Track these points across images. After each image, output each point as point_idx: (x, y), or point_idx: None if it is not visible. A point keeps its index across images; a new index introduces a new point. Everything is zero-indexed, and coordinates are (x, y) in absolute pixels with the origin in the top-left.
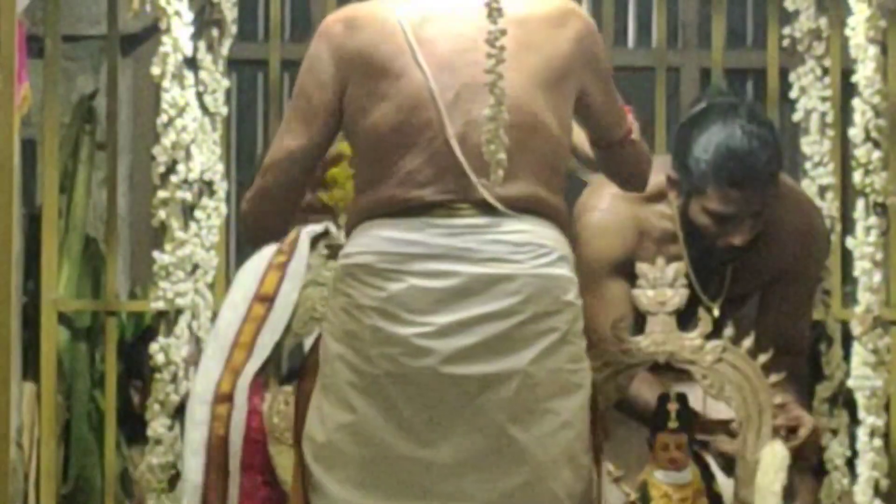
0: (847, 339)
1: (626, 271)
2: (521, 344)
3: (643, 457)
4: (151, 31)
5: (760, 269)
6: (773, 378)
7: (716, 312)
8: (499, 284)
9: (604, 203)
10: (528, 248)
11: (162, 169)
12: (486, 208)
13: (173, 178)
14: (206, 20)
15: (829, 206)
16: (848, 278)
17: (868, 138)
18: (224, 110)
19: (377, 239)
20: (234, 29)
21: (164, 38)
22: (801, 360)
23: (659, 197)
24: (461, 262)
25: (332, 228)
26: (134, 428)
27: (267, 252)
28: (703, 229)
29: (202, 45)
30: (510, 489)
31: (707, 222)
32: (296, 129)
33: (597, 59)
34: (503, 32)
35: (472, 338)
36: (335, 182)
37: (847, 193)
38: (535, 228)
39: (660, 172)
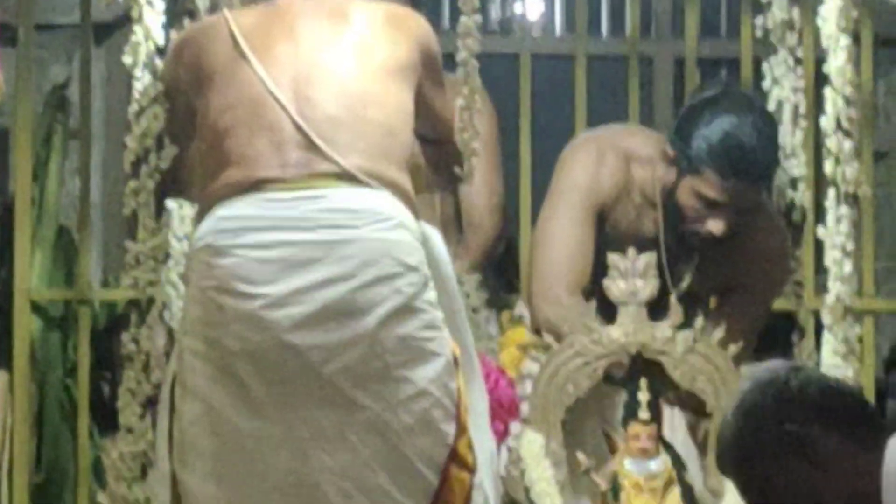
0: (818, 329)
1: (598, 216)
2: (363, 309)
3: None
4: (124, 20)
5: (721, 273)
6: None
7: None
8: (335, 249)
9: (596, 146)
10: (364, 213)
11: (133, 158)
12: (319, 179)
13: (144, 168)
14: (178, 9)
15: (801, 197)
16: (819, 268)
17: (839, 128)
18: None
19: (215, 220)
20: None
21: (136, 28)
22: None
23: (650, 163)
24: (297, 231)
25: None
26: (107, 417)
27: None
28: (685, 210)
29: (174, 34)
30: (366, 458)
31: (693, 204)
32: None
33: (432, 57)
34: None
35: (312, 305)
36: None
37: (819, 183)
38: (370, 196)
39: (648, 146)
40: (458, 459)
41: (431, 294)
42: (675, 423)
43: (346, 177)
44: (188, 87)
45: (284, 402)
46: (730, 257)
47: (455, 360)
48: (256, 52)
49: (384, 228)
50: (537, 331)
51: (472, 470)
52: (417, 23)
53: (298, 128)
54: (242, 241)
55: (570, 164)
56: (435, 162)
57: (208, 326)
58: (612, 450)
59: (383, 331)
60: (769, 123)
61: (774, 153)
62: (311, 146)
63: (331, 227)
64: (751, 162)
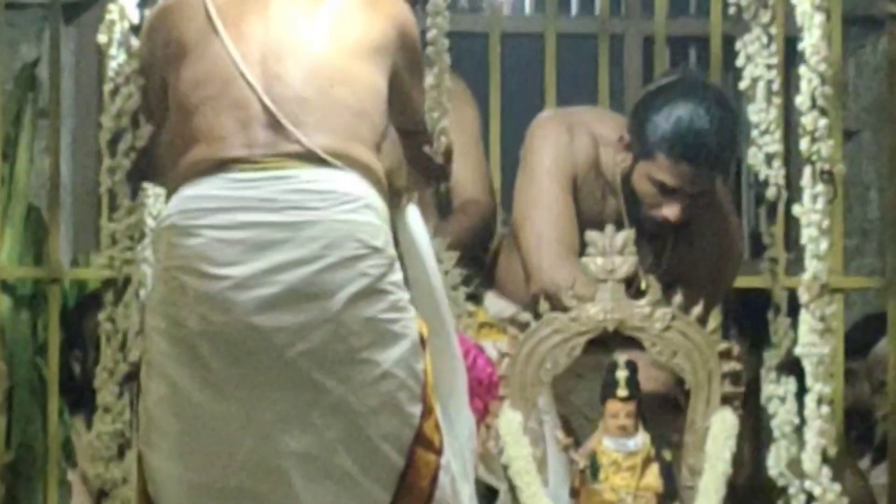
0: (794, 307)
1: (572, 189)
2: (328, 290)
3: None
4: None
5: (673, 265)
6: (723, 345)
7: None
8: (300, 231)
9: (564, 123)
10: (330, 195)
11: (108, 137)
12: (286, 159)
13: (120, 146)
14: None
15: (775, 174)
16: (794, 246)
17: (814, 106)
18: None
19: (182, 199)
20: None
21: (111, 6)
22: None
23: (614, 147)
24: (260, 212)
25: None
26: (77, 396)
27: None
28: (641, 195)
29: (148, 12)
30: (329, 441)
31: (648, 190)
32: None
33: (410, 42)
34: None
35: (276, 287)
36: None
37: (792, 161)
38: (337, 177)
39: (606, 122)
40: (423, 441)
41: (397, 276)
42: None
43: (313, 157)
44: (162, 63)
45: (248, 384)
46: (682, 250)
47: (422, 341)
48: (227, 27)
49: (349, 210)
50: (535, 298)
51: (438, 451)
52: (395, 4)
53: (266, 107)
54: (207, 222)
55: (542, 137)
56: (411, 157)
57: (172, 306)
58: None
59: (347, 313)
60: (726, 109)
61: (731, 139)
62: (278, 126)
63: (296, 209)
64: (703, 146)
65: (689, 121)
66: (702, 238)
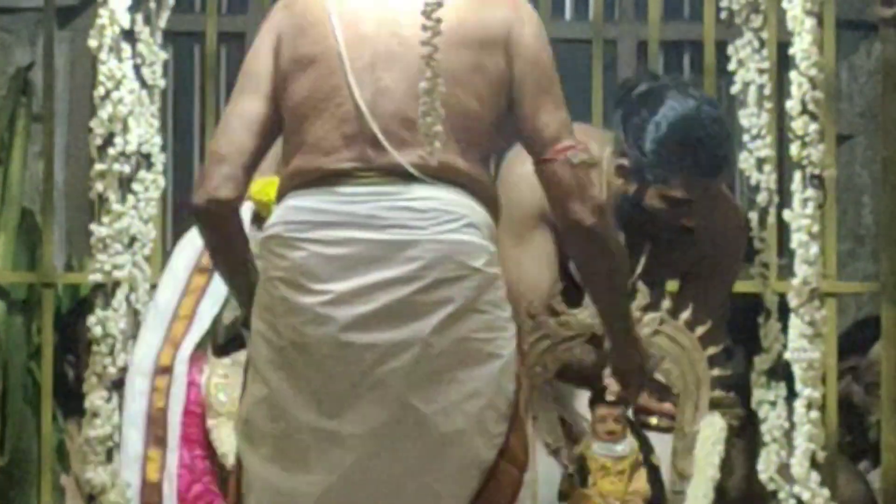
0: (785, 312)
1: (552, 224)
2: (422, 311)
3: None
4: (88, 4)
5: (681, 259)
6: (711, 350)
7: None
8: (400, 250)
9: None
10: (432, 213)
11: (99, 141)
12: (393, 175)
13: (111, 151)
14: None
15: (766, 179)
16: (785, 251)
17: (805, 111)
18: (162, 83)
19: (287, 209)
20: (171, 1)
21: (101, 11)
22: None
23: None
24: (363, 230)
25: None
26: (70, 400)
27: None
28: (655, 213)
29: (139, 17)
30: (415, 459)
31: (663, 206)
32: (238, 97)
33: (529, 48)
34: (440, 4)
35: (372, 305)
36: None
37: (784, 166)
38: (443, 195)
39: (592, 140)
40: (509, 455)
41: (495, 294)
42: None
43: (419, 174)
44: (279, 45)
45: (338, 398)
46: (691, 242)
47: (522, 356)
48: (344, 29)
49: (451, 230)
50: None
51: (522, 467)
52: (516, 6)
53: (371, 121)
54: (310, 236)
55: (510, 179)
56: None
57: (271, 314)
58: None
59: (439, 334)
60: (714, 105)
61: (729, 136)
62: (385, 141)
63: (398, 227)
64: (720, 157)
65: (698, 137)
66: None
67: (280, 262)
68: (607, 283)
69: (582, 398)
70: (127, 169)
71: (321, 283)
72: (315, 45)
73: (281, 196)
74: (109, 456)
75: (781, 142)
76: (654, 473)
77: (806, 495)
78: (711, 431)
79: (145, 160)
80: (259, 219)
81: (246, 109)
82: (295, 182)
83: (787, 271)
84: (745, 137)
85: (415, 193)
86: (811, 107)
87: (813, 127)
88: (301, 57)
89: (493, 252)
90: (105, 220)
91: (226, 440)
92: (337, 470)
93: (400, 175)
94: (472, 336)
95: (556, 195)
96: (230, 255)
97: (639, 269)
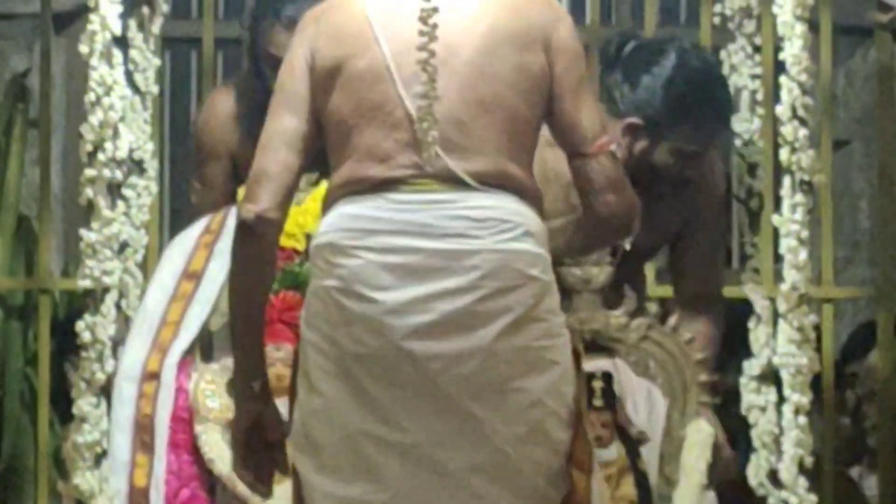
0: (775, 317)
1: None
2: (482, 320)
3: None
4: (84, 10)
5: (667, 219)
6: (699, 355)
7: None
8: (458, 260)
9: None
10: (489, 223)
11: (90, 147)
12: (447, 183)
13: (101, 157)
14: None
15: (759, 184)
16: (775, 256)
17: (795, 116)
18: (155, 89)
19: (340, 217)
20: (165, 7)
21: (93, 17)
22: (718, 304)
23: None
24: (421, 238)
25: None
26: (68, 406)
27: (195, 230)
28: (663, 169)
29: (133, 23)
30: (479, 467)
31: (672, 161)
32: (276, 114)
33: (566, 47)
34: (435, 10)
35: (432, 314)
36: None
37: (776, 171)
38: (498, 203)
39: None
40: (577, 462)
41: (552, 301)
42: (639, 406)
43: (474, 179)
44: (315, 57)
45: (399, 407)
46: (672, 202)
47: (577, 362)
48: (389, 38)
49: (508, 239)
50: None
51: (589, 472)
52: (552, 5)
53: (422, 129)
54: (367, 244)
55: None
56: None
57: (328, 324)
58: None
59: (500, 343)
60: (709, 57)
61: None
62: (439, 149)
63: (456, 236)
64: (727, 105)
65: (718, 88)
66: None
67: (335, 271)
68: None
69: None
70: (118, 175)
71: (379, 291)
72: (359, 56)
73: (330, 204)
74: (98, 462)
75: (774, 147)
76: (641, 479)
77: (793, 501)
78: (698, 436)
79: (137, 166)
80: None
81: (288, 127)
82: (347, 190)
83: (777, 276)
84: (738, 142)
85: (471, 202)
86: (801, 112)
87: (803, 132)
88: (343, 68)
89: (547, 259)
90: (94, 225)
91: (213, 446)
92: (398, 479)
93: (455, 182)
94: (533, 344)
95: (594, 189)
96: (261, 272)
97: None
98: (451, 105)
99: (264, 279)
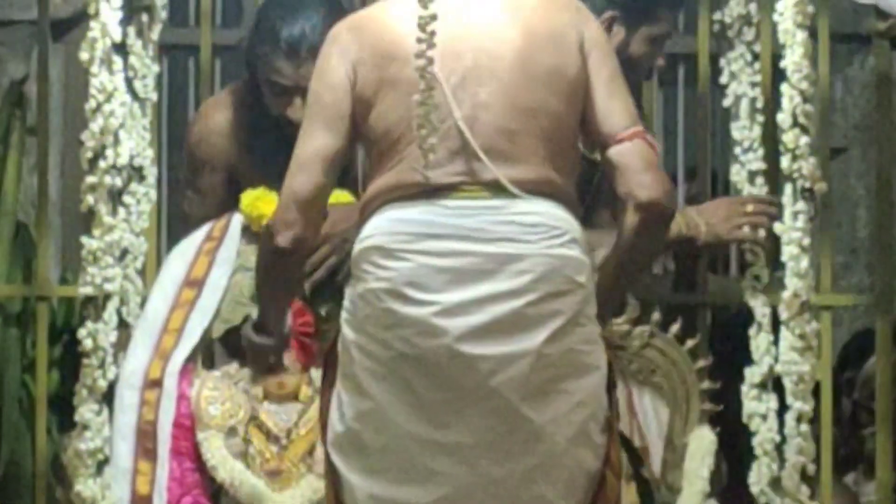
0: (777, 325)
1: None
2: (532, 324)
3: None
4: (82, 17)
5: None
6: (701, 363)
7: None
8: (510, 264)
9: None
10: (540, 228)
11: (90, 154)
12: (496, 190)
13: (101, 164)
14: (135, 6)
15: (758, 192)
16: (776, 263)
17: (796, 123)
18: (154, 96)
19: (388, 220)
20: (164, 14)
21: (93, 24)
22: None
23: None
24: (472, 242)
25: None
26: (66, 413)
27: (197, 237)
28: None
29: (132, 30)
30: (527, 469)
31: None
32: (314, 132)
33: (597, 43)
34: (434, 17)
35: (484, 317)
36: None
37: (776, 179)
38: (546, 210)
39: None
40: (611, 465)
41: (592, 308)
42: (649, 413)
43: (521, 187)
44: (355, 67)
45: (450, 409)
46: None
47: (611, 371)
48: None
49: (558, 244)
50: None
51: (619, 475)
52: (583, 9)
53: (471, 138)
54: (417, 247)
55: None
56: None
57: (376, 327)
58: None
59: (549, 346)
60: None
61: None
62: (486, 158)
63: (506, 241)
64: None
65: None
66: None
67: (383, 273)
68: (645, 262)
69: None
70: (118, 182)
71: (430, 293)
72: (404, 66)
73: (373, 209)
74: (99, 469)
75: (775, 155)
76: (644, 486)
77: None
78: (700, 444)
79: (137, 173)
80: (249, 231)
81: (324, 145)
82: (394, 195)
83: (779, 284)
84: (737, 150)
85: (519, 208)
86: (802, 120)
87: (804, 140)
88: (389, 79)
89: (590, 266)
90: (96, 232)
91: (216, 453)
92: (447, 481)
93: (503, 190)
94: (577, 348)
95: (630, 173)
96: (292, 279)
97: None
98: (500, 112)
99: (294, 286)
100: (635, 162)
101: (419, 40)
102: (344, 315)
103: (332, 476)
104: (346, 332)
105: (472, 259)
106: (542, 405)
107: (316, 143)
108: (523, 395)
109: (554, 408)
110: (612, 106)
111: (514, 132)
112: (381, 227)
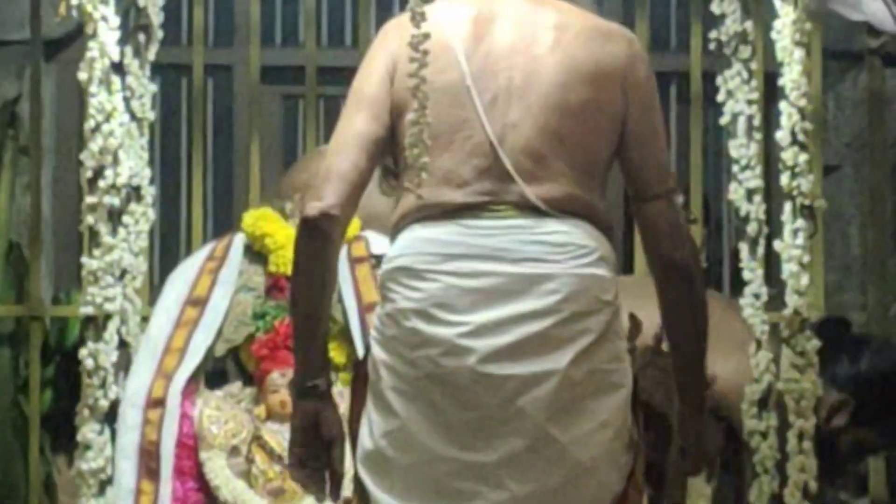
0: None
1: None
2: (559, 343)
3: None
4: (75, 37)
5: None
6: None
7: None
8: (538, 284)
9: None
10: (567, 248)
11: (90, 174)
12: (523, 209)
13: (101, 184)
14: (132, 26)
15: (756, 209)
16: (776, 281)
17: (794, 141)
18: (151, 115)
19: (416, 240)
20: (160, 34)
21: (91, 44)
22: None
23: None
24: (499, 262)
25: None
26: (59, 433)
27: (199, 256)
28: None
29: (129, 50)
30: (551, 488)
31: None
32: (353, 117)
33: (642, 86)
34: (427, 36)
35: (511, 337)
36: None
37: (773, 196)
38: (573, 229)
39: None
40: (634, 483)
41: (619, 325)
42: None
43: (548, 206)
44: (395, 66)
45: (475, 428)
46: None
47: (635, 387)
48: (467, 56)
49: (585, 264)
50: None
51: (641, 492)
52: (625, 41)
53: (501, 158)
54: (445, 268)
55: None
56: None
57: (403, 346)
58: None
59: (575, 365)
60: None
61: None
62: (517, 176)
63: (533, 261)
64: None
65: None
66: None
67: (411, 294)
68: (694, 329)
69: None
70: (117, 202)
71: (457, 314)
72: (440, 74)
73: (401, 227)
74: (102, 489)
75: (772, 172)
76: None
77: None
78: None
79: (135, 192)
80: (251, 251)
81: (360, 129)
82: (421, 214)
83: (778, 301)
84: (735, 168)
85: (547, 227)
86: (801, 137)
87: (803, 157)
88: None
89: (617, 284)
90: (96, 252)
91: (219, 472)
92: (473, 500)
93: (531, 209)
94: (602, 367)
95: (659, 234)
96: (324, 270)
97: None
98: (528, 134)
99: (327, 278)
100: (663, 224)
101: (412, 59)
102: (373, 334)
103: (360, 493)
104: (376, 350)
105: (500, 279)
106: (568, 424)
107: (354, 127)
108: (549, 414)
109: (579, 427)
110: (650, 160)
111: (541, 155)
112: (409, 246)
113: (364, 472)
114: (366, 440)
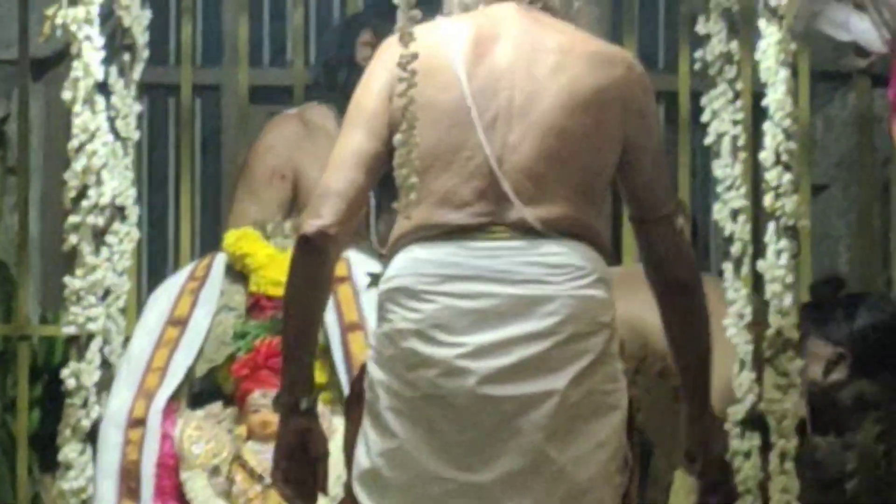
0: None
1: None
2: (558, 365)
3: None
4: (62, 56)
5: None
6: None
7: None
8: (536, 305)
9: None
10: (565, 269)
11: (73, 194)
12: (522, 231)
13: (84, 203)
14: (117, 45)
15: (740, 229)
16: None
17: (779, 161)
18: (136, 135)
19: (414, 261)
20: (145, 53)
21: (75, 63)
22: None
23: None
24: (498, 284)
25: None
26: (47, 452)
27: (180, 276)
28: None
29: (114, 69)
30: None
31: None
32: (352, 133)
33: (643, 109)
34: (415, 56)
35: (509, 358)
36: None
37: (758, 217)
38: (572, 251)
39: None
40: (627, 502)
41: (615, 346)
42: None
43: (547, 227)
44: (394, 81)
45: (473, 449)
46: None
47: (631, 407)
48: (468, 76)
49: (584, 285)
50: None
51: None
52: (631, 66)
53: (502, 177)
54: (443, 289)
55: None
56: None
57: (402, 367)
58: None
59: (573, 387)
60: None
61: None
62: (516, 198)
63: (533, 282)
64: None
65: None
66: None
67: (409, 314)
68: (698, 346)
69: None
70: (101, 221)
71: (455, 335)
72: (440, 93)
73: (398, 248)
74: None
75: (757, 193)
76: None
77: None
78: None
79: (119, 212)
80: (232, 271)
81: (358, 146)
82: (419, 235)
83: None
84: (719, 188)
85: (546, 249)
86: (785, 157)
87: (787, 178)
88: (424, 101)
89: (614, 305)
90: (79, 272)
91: (199, 492)
92: None
93: (530, 230)
94: (599, 388)
95: (660, 256)
96: (318, 288)
97: None
98: (528, 155)
99: (320, 296)
100: (664, 247)
101: (400, 79)
102: (370, 353)
103: None
104: (373, 370)
105: (499, 301)
106: (565, 445)
107: (353, 144)
108: (547, 435)
109: (576, 447)
110: (650, 184)
111: (540, 176)
112: (406, 267)
113: (360, 491)
114: (362, 459)
